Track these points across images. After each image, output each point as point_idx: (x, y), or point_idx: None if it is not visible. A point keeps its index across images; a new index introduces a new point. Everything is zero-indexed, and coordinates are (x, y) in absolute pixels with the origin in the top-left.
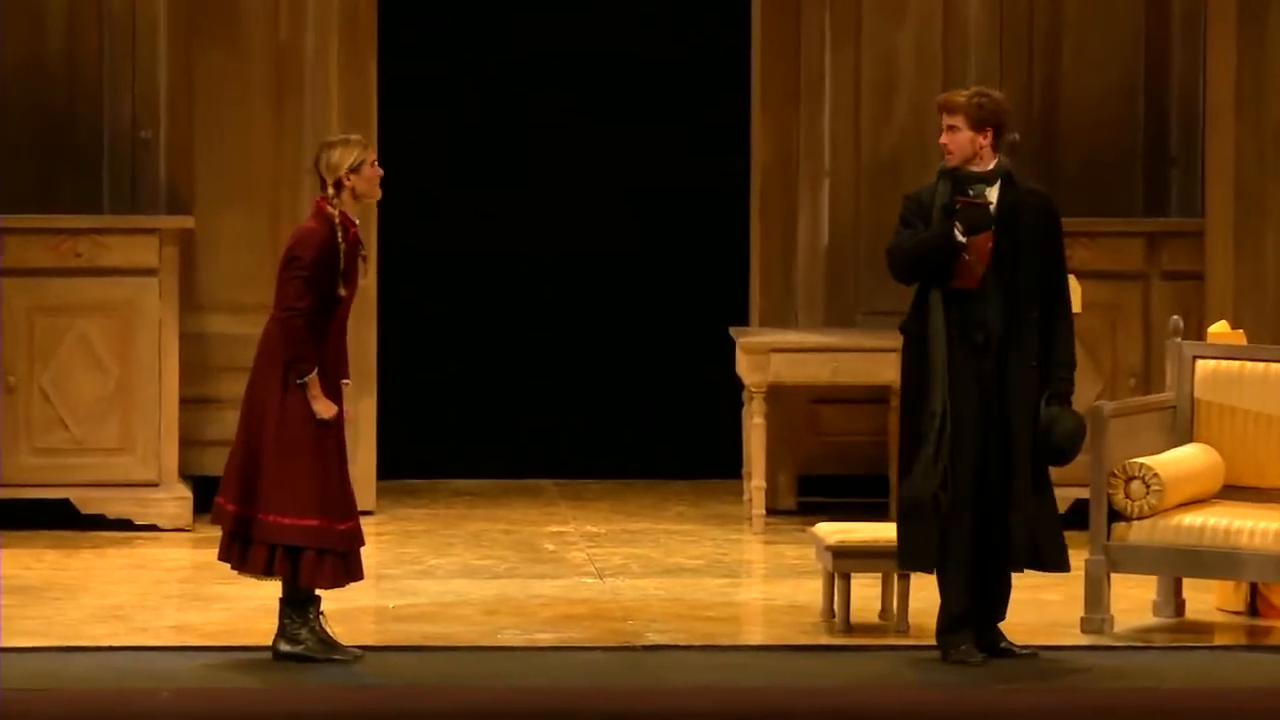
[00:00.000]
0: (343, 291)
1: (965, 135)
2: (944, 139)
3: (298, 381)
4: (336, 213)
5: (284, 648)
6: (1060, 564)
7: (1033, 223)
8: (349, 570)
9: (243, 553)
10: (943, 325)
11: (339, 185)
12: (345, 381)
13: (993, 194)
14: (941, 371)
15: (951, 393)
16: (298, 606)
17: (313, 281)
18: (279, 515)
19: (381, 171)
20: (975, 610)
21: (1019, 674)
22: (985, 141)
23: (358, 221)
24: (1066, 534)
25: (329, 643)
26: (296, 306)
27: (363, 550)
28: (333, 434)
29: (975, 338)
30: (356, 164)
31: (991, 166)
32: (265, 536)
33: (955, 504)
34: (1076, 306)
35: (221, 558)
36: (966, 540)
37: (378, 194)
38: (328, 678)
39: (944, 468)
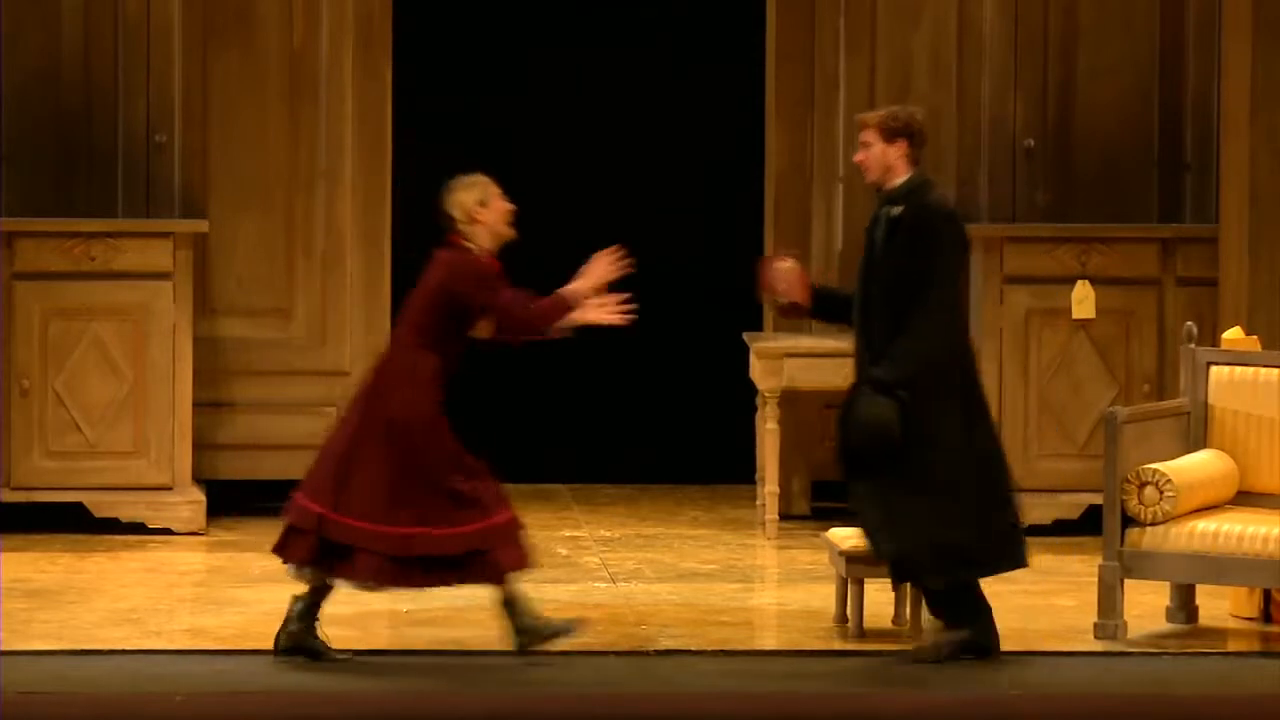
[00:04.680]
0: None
1: (877, 149)
2: (857, 156)
3: (560, 330)
4: (474, 246)
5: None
6: (904, 573)
7: (882, 239)
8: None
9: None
10: None
11: (470, 222)
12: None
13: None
14: None
15: None
16: None
17: (498, 295)
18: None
19: (512, 206)
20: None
21: (1032, 680)
22: (898, 154)
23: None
24: (1082, 540)
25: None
26: (506, 307)
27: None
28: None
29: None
30: (482, 200)
31: (902, 180)
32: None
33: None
34: (1090, 313)
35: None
36: None
37: (510, 231)
38: (342, 682)
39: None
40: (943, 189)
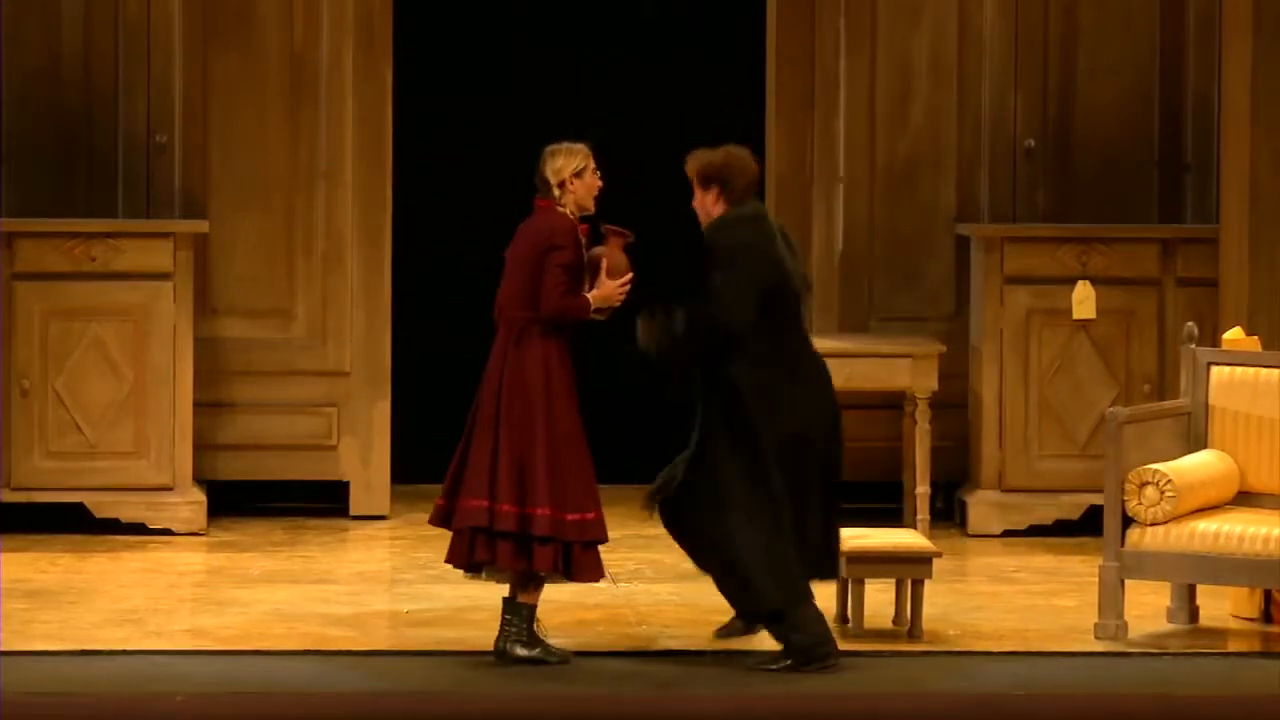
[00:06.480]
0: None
1: (698, 197)
2: (694, 204)
3: (595, 315)
4: (567, 210)
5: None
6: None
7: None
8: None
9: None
10: None
11: (562, 188)
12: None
13: None
14: None
15: None
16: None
17: (572, 269)
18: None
19: (601, 183)
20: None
21: (1032, 679)
22: (713, 199)
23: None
24: (1083, 540)
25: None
26: (552, 282)
27: (386, 554)
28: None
29: None
30: (579, 170)
31: (716, 218)
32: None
33: None
34: (1090, 313)
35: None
36: None
37: (592, 205)
38: (342, 682)
39: None
40: (752, 224)
